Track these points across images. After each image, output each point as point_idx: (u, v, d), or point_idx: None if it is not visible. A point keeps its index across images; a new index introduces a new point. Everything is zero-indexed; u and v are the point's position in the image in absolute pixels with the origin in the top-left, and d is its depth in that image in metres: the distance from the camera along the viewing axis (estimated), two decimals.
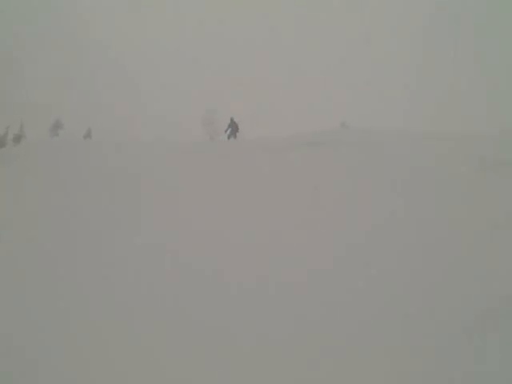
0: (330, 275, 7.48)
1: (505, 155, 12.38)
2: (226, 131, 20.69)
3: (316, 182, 11.87)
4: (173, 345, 5.78)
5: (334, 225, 9.56)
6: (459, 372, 4.98)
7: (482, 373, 4.94)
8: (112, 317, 6.38)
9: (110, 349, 5.69)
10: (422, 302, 6.47)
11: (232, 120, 20.64)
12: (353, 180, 11.95)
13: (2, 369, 5.26)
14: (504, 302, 6.08)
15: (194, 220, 10.10)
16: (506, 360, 5.04)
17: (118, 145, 17.11)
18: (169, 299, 6.90)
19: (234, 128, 20.52)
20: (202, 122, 53.75)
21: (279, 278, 7.42)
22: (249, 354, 5.58)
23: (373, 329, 5.97)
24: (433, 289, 6.77)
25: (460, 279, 6.90)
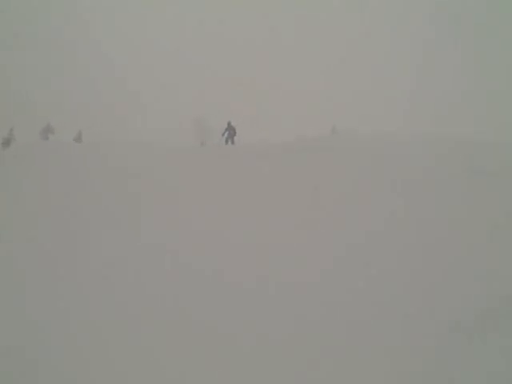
0: (330, 275, 7.48)
1: (505, 155, 12.39)
2: (223, 134, 20.45)
3: (316, 183, 11.87)
4: (173, 345, 5.78)
5: (334, 225, 9.57)
6: (459, 372, 4.99)
7: (481, 373, 4.94)
8: (112, 317, 6.38)
9: (110, 349, 5.69)
10: (421, 301, 6.48)
11: (229, 124, 20.39)
12: (353, 180, 11.95)
13: (1, 369, 5.26)
14: (504, 301, 6.09)
15: (194, 220, 10.10)
16: (506, 360, 5.05)
17: (118, 145, 17.11)
18: (169, 299, 6.90)
19: (231, 132, 20.25)
20: (197, 125, 53.90)
21: (279, 278, 7.42)
22: (249, 353, 5.58)
23: (373, 329, 5.97)
24: (433, 289, 6.77)
25: (460, 279, 6.91)
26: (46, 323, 6.21)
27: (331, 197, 11.02)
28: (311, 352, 5.57)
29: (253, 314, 6.48)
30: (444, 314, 6.08)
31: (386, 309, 6.39)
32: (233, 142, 20.24)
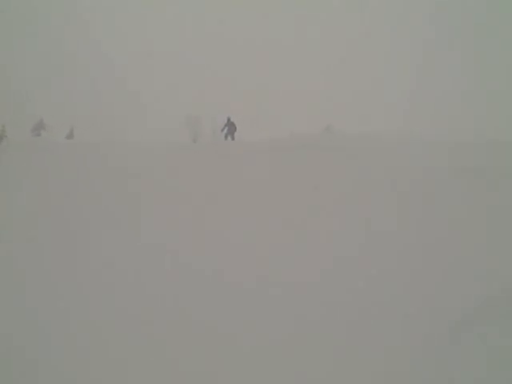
0: (330, 275, 7.48)
1: (505, 155, 12.39)
2: (222, 130, 20.44)
3: (316, 182, 11.87)
4: (173, 345, 5.78)
5: (333, 225, 9.56)
6: (459, 372, 4.99)
7: (481, 373, 4.94)
8: (112, 317, 6.38)
9: (110, 349, 5.69)
10: (421, 301, 6.48)
11: (229, 120, 20.39)
12: (353, 180, 11.95)
13: (1, 369, 5.26)
14: (503, 301, 6.09)
15: (194, 220, 10.10)
16: (506, 360, 5.05)
17: (117, 145, 17.11)
18: (169, 299, 6.90)
19: (231, 128, 20.22)
20: (196, 124, 53.84)
21: (279, 278, 7.42)
22: (249, 353, 5.58)
23: (373, 329, 5.97)
24: (433, 289, 6.77)
25: (460, 279, 6.91)
26: (46, 323, 6.22)
27: (331, 197, 11.02)
28: (311, 352, 5.57)
29: (253, 314, 6.48)
30: (444, 314, 6.08)
31: (386, 309, 6.39)
32: (233, 138, 20.15)
